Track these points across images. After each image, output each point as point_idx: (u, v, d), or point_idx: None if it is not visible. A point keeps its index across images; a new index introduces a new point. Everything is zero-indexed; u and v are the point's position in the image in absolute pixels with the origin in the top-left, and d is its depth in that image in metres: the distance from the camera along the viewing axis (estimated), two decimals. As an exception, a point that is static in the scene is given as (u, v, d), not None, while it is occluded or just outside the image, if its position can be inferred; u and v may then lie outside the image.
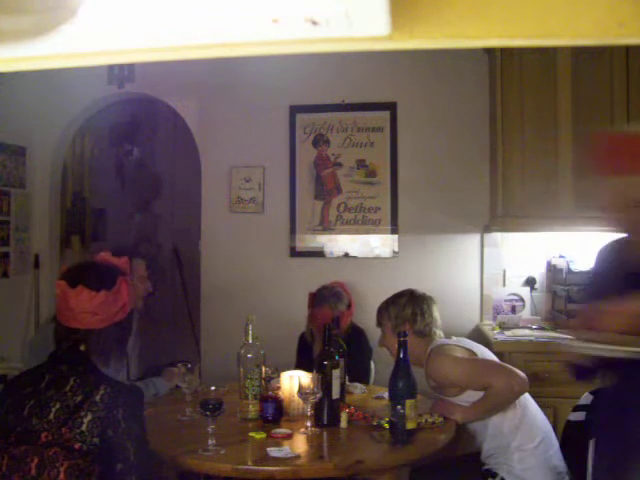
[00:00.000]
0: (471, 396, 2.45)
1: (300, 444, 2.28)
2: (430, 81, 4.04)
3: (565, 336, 3.41)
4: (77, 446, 1.66)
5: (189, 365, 2.60)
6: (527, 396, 2.48)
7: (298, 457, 2.13)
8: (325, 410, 2.43)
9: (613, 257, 2.08)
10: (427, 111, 4.06)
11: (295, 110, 4.19)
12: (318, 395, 2.36)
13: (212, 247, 4.30)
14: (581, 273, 3.60)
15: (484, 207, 3.91)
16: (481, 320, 3.93)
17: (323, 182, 4.17)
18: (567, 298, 3.56)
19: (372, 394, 2.90)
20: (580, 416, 2.35)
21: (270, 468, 2.06)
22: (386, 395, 2.54)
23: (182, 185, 5.95)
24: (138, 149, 6.34)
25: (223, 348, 3.58)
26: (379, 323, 2.72)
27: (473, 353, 2.54)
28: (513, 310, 3.82)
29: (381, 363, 3.26)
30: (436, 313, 2.67)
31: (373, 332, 3.02)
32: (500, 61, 3.58)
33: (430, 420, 2.40)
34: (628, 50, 3.39)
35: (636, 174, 1.79)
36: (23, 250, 4.39)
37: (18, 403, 1.74)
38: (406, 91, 4.07)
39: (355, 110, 4.12)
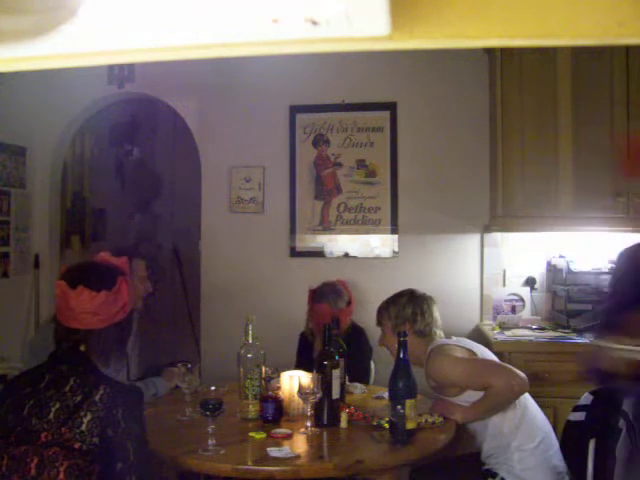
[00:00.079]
0: (471, 396, 2.45)
1: (300, 444, 2.28)
2: (430, 81, 4.05)
3: (570, 337, 3.41)
4: (77, 446, 1.66)
5: (189, 365, 2.60)
6: (527, 396, 2.48)
7: (298, 457, 2.13)
8: (325, 410, 2.43)
9: None
10: (427, 111, 4.06)
11: (295, 110, 4.19)
12: (318, 395, 2.36)
13: (212, 247, 4.30)
14: (581, 273, 3.60)
15: (484, 207, 3.91)
16: (481, 320, 3.93)
17: (323, 182, 4.17)
18: (567, 298, 3.55)
19: (372, 394, 2.90)
20: (580, 416, 2.35)
21: (270, 468, 2.06)
22: (386, 395, 2.54)
23: (182, 185, 5.95)
24: (138, 149, 6.34)
25: (223, 348, 3.58)
26: (379, 323, 2.72)
27: (473, 353, 2.54)
28: (513, 310, 3.82)
29: (381, 363, 3.26)
30: (436, 313, 2.67)
31: (373, 332, 3.02)
32: (500, 61, 3.58)
33: (430, 420, 2.40)
34: (628, 50, 3.39)
35: None
36: (23, 250, 4.39)
37: (18, 403, 1.74)
38: (406, 91, 4.07)
39: (355, 110, 4.12)
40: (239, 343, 2.59)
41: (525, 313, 3.81)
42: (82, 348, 1.80)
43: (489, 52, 3.78)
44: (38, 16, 0.64)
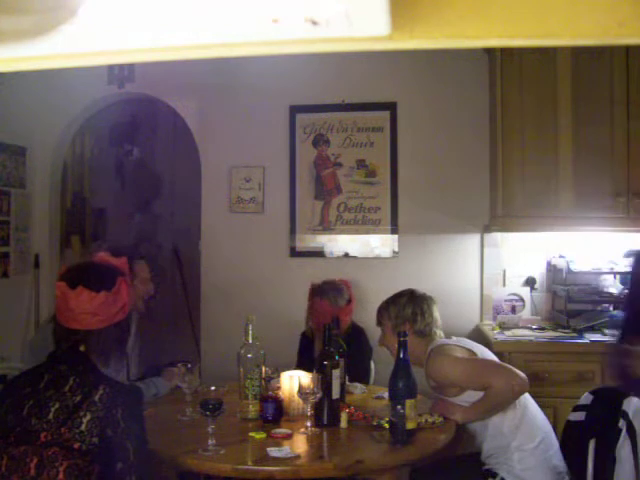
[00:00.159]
0: (471, 396, 2.45)
1: (300, 444, 2.28)
2: (430, 81, 4.04)
3: (570, 337, 3.41)
4: (76, 446, 1.66)
5: (189, 365, 2.60)
6: (527, 396, 2.48)
7: (298, 457, 2.13)
8: (325, 410, 2.43)
9: None
10: (427, 111, 4.06)
11: (295, 110, 4.19)
12: (318, 395, 2.36)
13: (212, 247, 4.30)
14: (581, 273, 3.60)
15: (484, 207, 3.91)
16: (481, 320, 3.93)
17: (323, 182, 4.16)
18: (567, 298, 3.55)
19: (372, 394, 2.90)
20: (580, 416, 2.35)
21: (270, 468, 2.06)
22: (386, 395, 2.54)
23: (182, 185, 5.94)
24: (138, 149, 6.34)
25: (223, 348, 3.58)
26: (379, 323, 2.72)
27: (473, 353, 2.54)
28: (513, 310, 3.82)
29: (381, 363, 3.26)
30: (436, 313, 2.67)
31: (373, 332, 3.02)
32: (500, 61, 3.58)
33: (430, 420, 2.40)
34: (628, 50, 3.39)
35: None
36: (23, 250, 4.39)
37: (17, 403, 1.74)
38: (406, 91, 4.07)
39: (355, 110, 4.12)
40: (239, 343, 2.59)
41: (525, 313, 3.81)
42: (82, 348, 1.80)
43: (489, 52, 3.78)
44: (38, 16, 0.64)
